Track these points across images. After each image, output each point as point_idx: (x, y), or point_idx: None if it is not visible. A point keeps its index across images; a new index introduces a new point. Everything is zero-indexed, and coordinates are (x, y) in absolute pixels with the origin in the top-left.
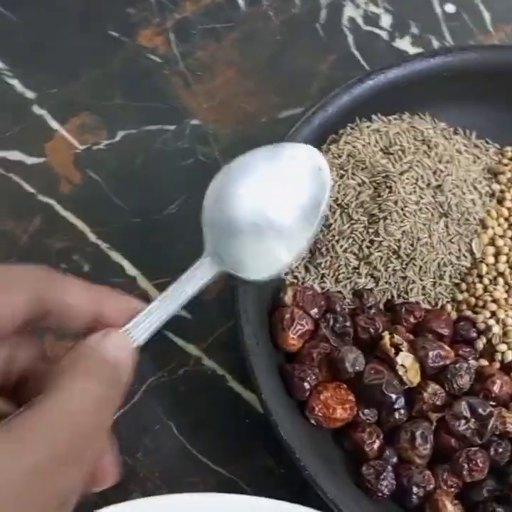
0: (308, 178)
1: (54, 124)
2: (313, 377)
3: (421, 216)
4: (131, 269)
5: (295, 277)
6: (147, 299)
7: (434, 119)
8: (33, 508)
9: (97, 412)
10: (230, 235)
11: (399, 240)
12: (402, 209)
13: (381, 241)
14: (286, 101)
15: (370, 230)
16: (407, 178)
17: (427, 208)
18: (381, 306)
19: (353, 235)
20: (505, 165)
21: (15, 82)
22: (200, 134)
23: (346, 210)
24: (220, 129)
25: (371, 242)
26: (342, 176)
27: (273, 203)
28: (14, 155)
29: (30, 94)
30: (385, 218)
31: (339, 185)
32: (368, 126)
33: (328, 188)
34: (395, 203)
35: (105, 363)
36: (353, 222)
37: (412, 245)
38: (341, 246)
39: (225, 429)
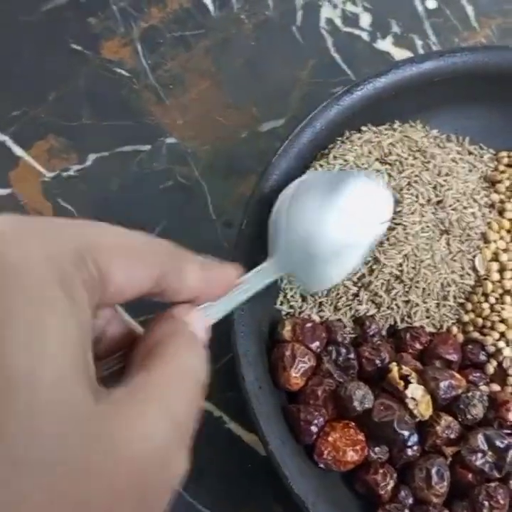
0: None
1: (17, 150)
2: (321, 418)
3: (423, 236)
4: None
5: (291, 307)
6: None
7: (426, 127)
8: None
9: (200, 385)
10: (303, 252)
11: (401, 264)
12: (403, 229)
13: (381, 267)
14: (267, 112)
15: (369, 257)
16: (408, 196)
17: (428, 226)
18: (384, 332)
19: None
20: (503, 172)
21: None
22: (177, 153)
23: None
24: (198, 147)
25: (371, 269)
26: None
27: (345, 229)
28: None
29: None
30: (382, 243)
31: None
32: (359, 138)
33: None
34: (398, 223)
35: (197, 339)
36: None
37: (414, 268)
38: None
39: (228, 476)
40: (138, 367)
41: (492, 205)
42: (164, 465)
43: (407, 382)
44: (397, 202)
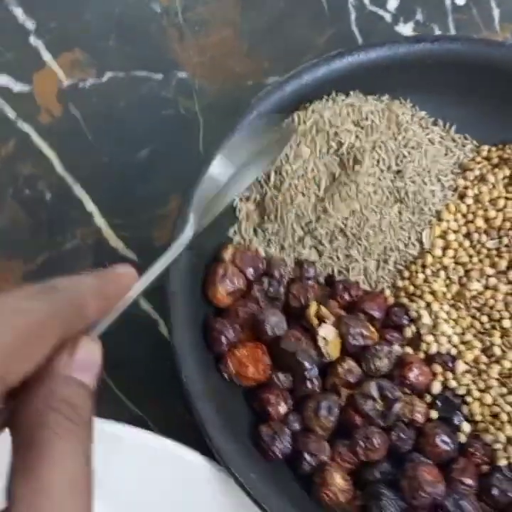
0: None
1: (46, 56)
2: (232, 332)
3: (374, 198)
4: (89, 205)
5: (243, 238)
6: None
7: (416, 107)
8: None
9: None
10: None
11: (346, 219)
12: (356, 187)
13: (328, 217)
14: (276, 67)
15: (319, 206)
16: (368, 158)
17: (383, 191)
18: (322, 279)
19: (301, 208)
20: (478, 163)
21: (18, 11)
22: (185, 87)
23: (297, 182)
24: (205, 85)
25: (318, 218)
26: (299, 144)
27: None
28: (2, 79)
29: (29, 25)
30: (333, 195)
31: (294, 154)
32: (342, 100)
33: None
34: (352, 181)
35: (80, 418)
36: (304, 194)
37: (359, 225)
38: (289, 216)
39: (147, 371)
40: (20, 470)
41: (456, 189)
42: None
43: (322, 322)
44: (357, 162)
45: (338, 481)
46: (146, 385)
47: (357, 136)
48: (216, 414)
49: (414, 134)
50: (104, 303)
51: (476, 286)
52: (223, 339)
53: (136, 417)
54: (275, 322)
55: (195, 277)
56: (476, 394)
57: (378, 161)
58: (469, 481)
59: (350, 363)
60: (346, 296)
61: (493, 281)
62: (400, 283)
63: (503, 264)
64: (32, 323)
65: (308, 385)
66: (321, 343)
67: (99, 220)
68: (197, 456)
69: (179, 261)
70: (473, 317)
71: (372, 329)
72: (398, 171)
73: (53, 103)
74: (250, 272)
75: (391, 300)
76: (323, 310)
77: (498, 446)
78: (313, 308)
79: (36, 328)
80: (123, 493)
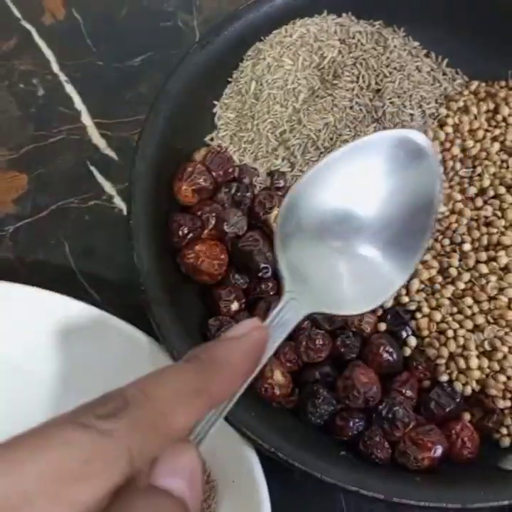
0: (410, 170)
1: None
2: (192, 225)
3: (350, 114)
4: (79, 104)
5: (219, 146)
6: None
7: (409, 37)
8: None
9: None
10: (317, 258)
11: (320, 131)
12: (332, 100)
13: (301, 128)
14: None
15: (294, 117)
16: (348, 74)
17: (359, 108)
18: None
19: (277, 118)
20: (464, 95)
21: None
22: (185, 2)
23: (276, 93)
24: (205, 2)
25: (292, 128)
26: (282, 55)
27: (370, 204)
28: None
29: None
30: (308, 107)
31: (276, 64)
32: (333, 19)
33: (439, 177)
34: (329, 94)
35: None
36: (282, 105)
37: (331, 139)
38: (265, 125)
39: (113, 263)
40: None
41: (438, 119)
42: None
43: None
44: (337, 76)
45: (278, 377)
46: (109, 276)
47: (340, 52)
48: (170, 305)
49: (400, 57)
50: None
51: (442, 209)
52: (181, 232)
53: (95, 301)
54: (235, 221)
55: (163, 175)
56: (426, 310)
57: (358, 77)
58: (409, 393)
59: None
60: None
61: (459, 205)
62: None
63: (472, 190)
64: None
65: (263, 286)
66: None
67: (86, 118)
68: (141, 334)
69: (146, 155)
70: (436, 240)
71: None
72: (378, 90)
73: (58, 7)
74: (219, 173)
75: None
76: None
77: (441, 361)
78: (274, 213)
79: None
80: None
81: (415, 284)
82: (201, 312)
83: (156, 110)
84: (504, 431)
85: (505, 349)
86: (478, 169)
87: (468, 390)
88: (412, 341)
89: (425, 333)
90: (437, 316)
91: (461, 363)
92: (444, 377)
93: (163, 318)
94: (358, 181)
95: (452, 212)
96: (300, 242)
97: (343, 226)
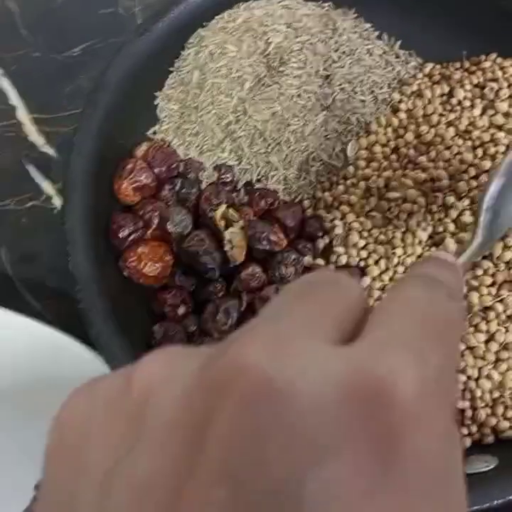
0: None
1: None
2: (133, 226)
3: (298, 102)
4: (15, 99)
5: (162, 140)
6: None
7: (361, 19)
8: None
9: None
10: None
11: (266, 121)
12: (278, 89)
13: (247, 119)
14: None
15: (240, 107)
16: (295, 60)
17: (308, 96)
18: (240, 186)
19: (222, 108)
20: (418, 79)
21: None
22: None
23: (220, 82)
24: None
25: (238, 119)
26: (225, 42)
27: None
28: None
29: None
30: (254, 97)
31: (219, 51)
32: (279, 2)
33: None
34: (275, 82)
35: None
36: (227, 94)
37: (278, 130)
38: (209, 117)
39: (53, 268)
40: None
41: (391, 104)
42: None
43: (229, 225)
44: (283, 63)
45: None
46: (50, 284)
47: (286, 37)
48: (110, 313)
49: (349, 40)
50: None
51: (395, 195)
52: (122, 234)
53: (36, 313)
54: (179, 220)
55: (103, 173)
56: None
57: (305, 63)
58: None
59: (254, 268)
60: (262, 203)
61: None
62: (319, 194)
63: (423, 176)
64: None
65: (211, 288)
66: (226, 246)
67: (22, 114)
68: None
69: (84, 152)
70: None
71: (282, 236)
72: (327, 77)
73: None
74: (162, 169)
75: (310, 212)
76: (232, 212)
77: None
78: (221, 210)
79: None
80: None
81: (366, 281)
82: (146, 318)
83: (93, 103)
84: (464, 431)
85: (463, 347)
86: (432, 154)
87: None
88: None
89: None
90: None
91: None
92: None
93: (102, 329)
94: None
95: (405, 200)
96: None
97: None
